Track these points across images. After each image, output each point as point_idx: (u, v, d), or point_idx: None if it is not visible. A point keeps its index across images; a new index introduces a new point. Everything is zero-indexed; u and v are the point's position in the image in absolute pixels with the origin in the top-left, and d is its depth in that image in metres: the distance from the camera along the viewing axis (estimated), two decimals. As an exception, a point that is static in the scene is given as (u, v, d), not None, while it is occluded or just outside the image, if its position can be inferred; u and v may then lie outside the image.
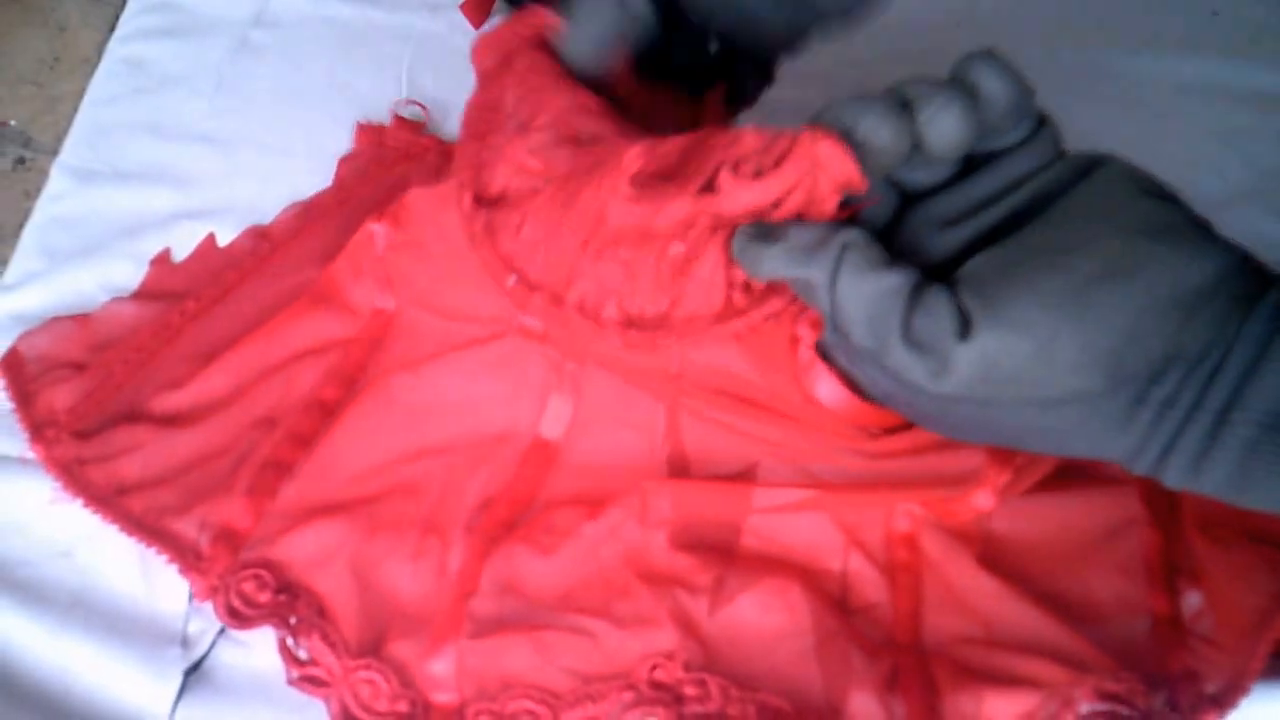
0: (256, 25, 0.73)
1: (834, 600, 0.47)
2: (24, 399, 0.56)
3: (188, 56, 0.72)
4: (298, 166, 0.66)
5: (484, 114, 0.48)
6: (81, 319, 0.60)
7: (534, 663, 0.47)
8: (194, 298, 0.60)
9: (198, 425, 0.55)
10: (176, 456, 0.54)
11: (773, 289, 0.40)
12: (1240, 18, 0.67)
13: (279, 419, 0.55)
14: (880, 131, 0.35)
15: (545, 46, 0.49)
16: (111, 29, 0.75)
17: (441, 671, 0.47)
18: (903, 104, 0.36)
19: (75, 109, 0.71)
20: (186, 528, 0.51)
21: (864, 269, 0.35)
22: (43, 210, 0.66)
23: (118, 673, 0.49)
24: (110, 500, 0.52)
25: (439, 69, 0.71)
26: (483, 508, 0.51)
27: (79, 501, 0.52)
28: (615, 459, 0.52)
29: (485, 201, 0.47)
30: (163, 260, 0.62)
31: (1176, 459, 0.33)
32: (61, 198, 0.66)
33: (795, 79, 0.57)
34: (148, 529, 0.51)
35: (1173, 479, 0.34)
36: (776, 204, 0.37)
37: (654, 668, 0.46)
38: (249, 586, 0.49)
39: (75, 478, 0.53)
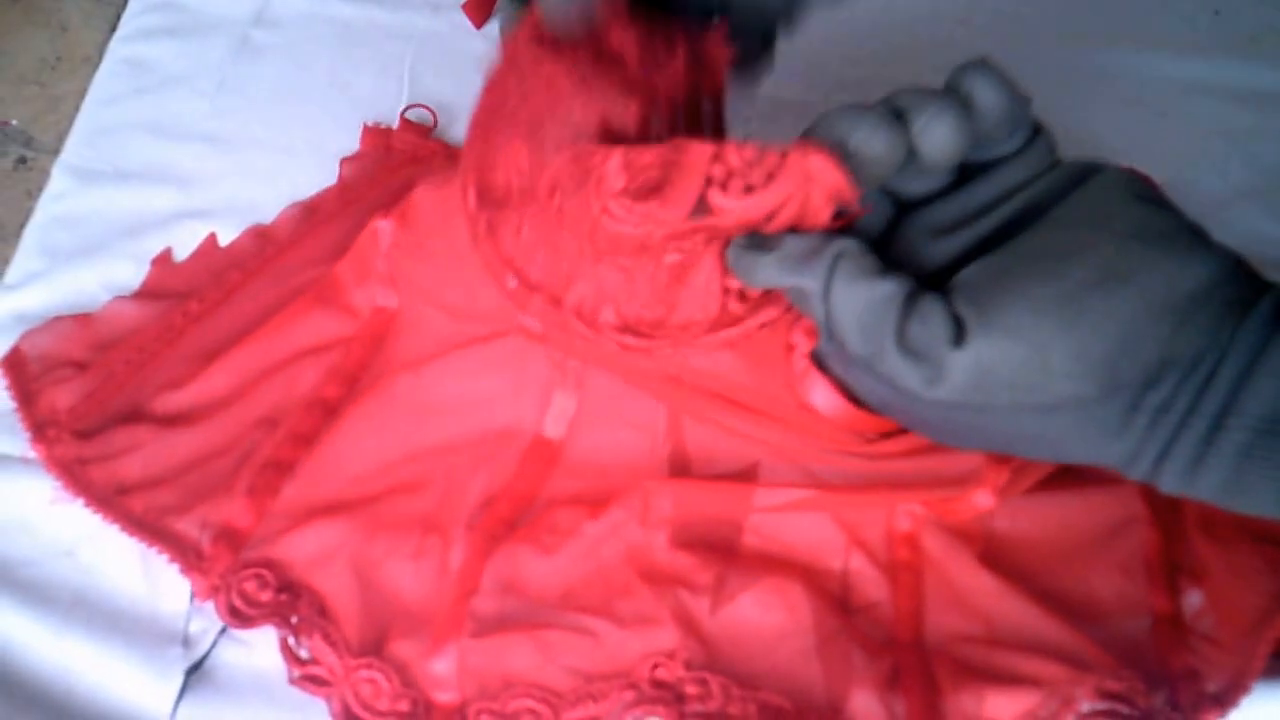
0: (258, 25, 0.73)
1: (835, 599, 0.48)
2: (26, 398, 0.56)
3: (189, 56, 0.72)
4: (299, 166, 0.66)
5: (490, 114, 0.48)
6: (83, 318, 0.60)
7: (535, 662, 0.47)
8: (197, 298, 0.59)
9: (199, 425, 0.55)
10: (177, 456, 0.54)
11: (768, 297, 0.41)
12: (1242, 17, 0.67)
13: (280, 418, 0.55)
14: (873, 142, 0.35)
15: (545, 40, 0.49)
16: (113, 29, 0.75)
17: (443, 670, 0.47)
18: (896, 114, 0.36)
19: (77, 108, 0.71)
20: (187, 527, 0.51)
21: (857, 277, 0.35)
22: (44, 210, 0.66)
23: (119, 672, 0.49)
24: (111, 500, 0.52)
25: (441, 69, 0.71)
26: (484, 506, 0.51)
27: (80, 501, 0.52)
28: (616, 458, 0.52)
29: (489, 201, 0.47)
30: (164, 260, 0.62)
31: (1171, 465, 0.33)
32: (63, 197, 0.66)
33: (799, 77, 0.57)
34: (148, 529, 0.51)
35: (1168, 484, 0.34)
36: (770, 217, 0.37)
37: (655, 667, 0.46)
38: (250, 586, 0.49)
39: (76, 477, 0.53)
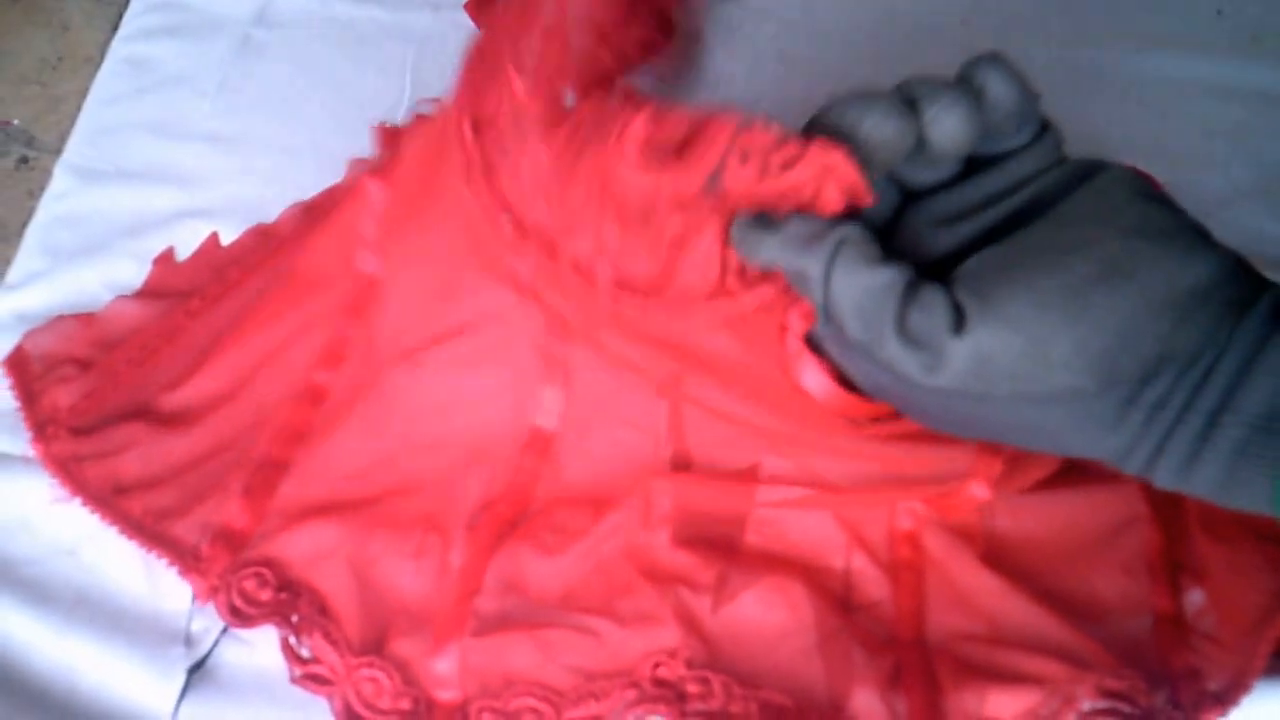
0: (259, 24, 0.73)
1: (837, 598, 0.48)
2: (29, 397, 0.56)
3: (191, 55, 0.72)
4: (301, 165, 0.66)
5: (485, 42, 0.47)
6: (86, 318, 0.60)
7: (537, 660, 0.47)
8: (199, 296, 0.59)
9: (195, 423, 0.55)
10: (174, 455, 0.54)
11: (766, 276, 0.41)
12: (1244, 17, 0.67)
13: (273, 412, 0.55)
14: (884, 129, 0.36)
15: None
16: (114, 28, 0.75)
17: (445, 669, 0.47)
18: (907, 102, 0.36)
19: (78, 108, 0.71)
20: (186, 530, 0.51)
21: (859, 264, 0.36)
22: (46, 209, 0.66)
23: (121, 671, 0.49)
24: (108, 500, 0.52)
25: (444, 68, 0.71)
26: (484, 507, 0.51)
27: (77, 500, 0.53)
28: (617, 458, 0.52)
29: (483, 129, 0.47)
30: (166, 259, 0.62)
31: (1166, 460, 0.34)
32: (64, 197, 0.66)
33: (802, 76, 0.57)
34: (146, 532, 0.51)
35: (1162, 479, 0.34)
36: (779, 199, 0.38)
37: (657, 665, 0.46)
38: (250, 585, 0.49)
39: (72, 475, 0.53)
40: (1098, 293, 0.33)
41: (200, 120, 0.69)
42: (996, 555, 0.47)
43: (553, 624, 0.48)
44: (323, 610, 0.49)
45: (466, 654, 0.47)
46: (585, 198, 0.42)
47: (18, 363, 0.57)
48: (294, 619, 0.49)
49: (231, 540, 0.51)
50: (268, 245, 0.62)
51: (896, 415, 0.43)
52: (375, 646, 0.48)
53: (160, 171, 0.67)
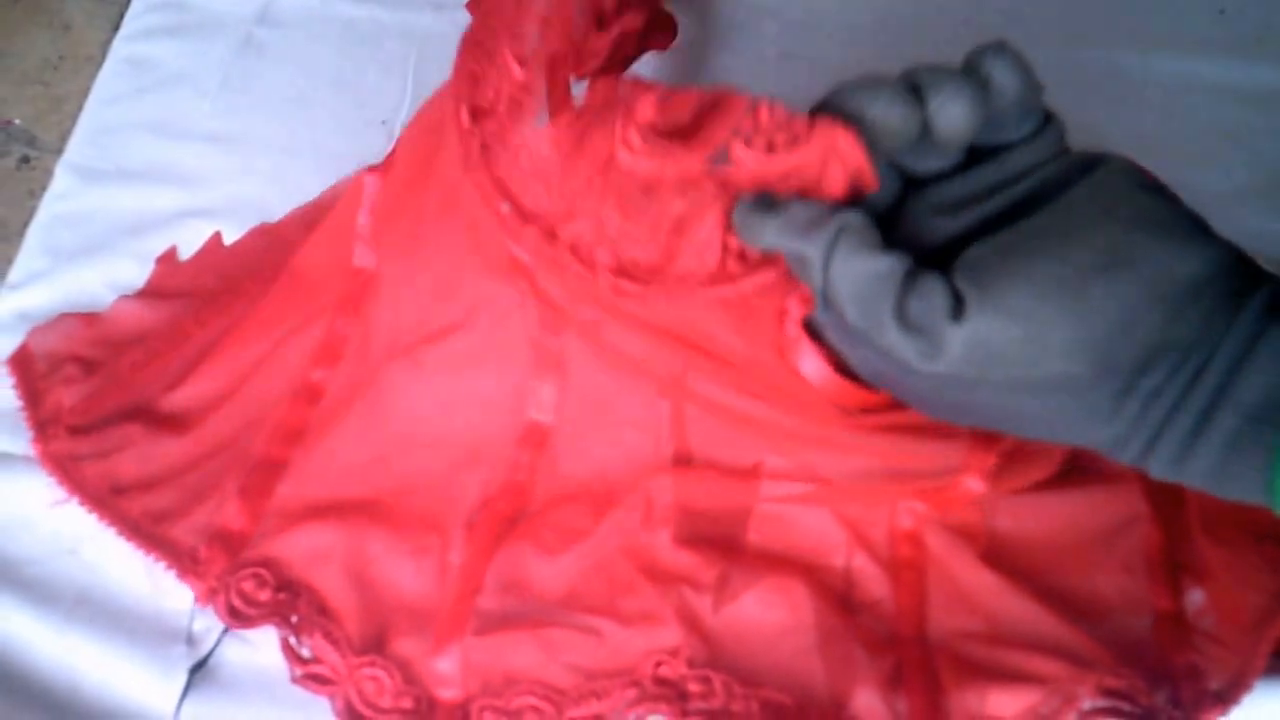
0: (261, 24, 0.73)
1: (838, 597, 0.48)
2: (32, 397, 0.56)
3: (192, 55, 0.72)
4: (302, 165, 0.66)
5: (482, 25, 0.47)
6: (89, 317, 0.60)
7: (539, 659, 0.47)
8: (210, 306, 0.59)
9: (193, 425, 0.55)
10: (172, 456, 0.54)
11: (766, 261, 0.41)
12: (1247, 17, 0.67)
13: (269, 411, 0.55)
14: (889, 115, 0.36)
15: None
16: (116, 28, 0.75)
17: (446, 668, 0.47)
18: (913, 89, 0.36)
19: (80, 108, 0.71)
20: (183, 533, 0.51)
21: (859, 250, 0.36)
22: (47, 209, 0.66)
23: (123, 670, 0.49)
24: (106, 500, 0.52)
25: (446, 68, 0.70)
26: (483, 505, 0.51)
27: (75, 500, 0.53)
28: (618, 457, 0.52)
29: (481, 114, 0.47)
30: (169, 258, 0.63)
31: (1161, 449, 0.34)
32: (66, 196, 0.66)
33: (805, 74, 0.57)
34: (144, 534, 0.52)
35: (1157, 470, 0.34)
36: (783, 179, 0.38)
37: (658, 664, 0.46)
38: (249, 585, 0.49)
39: (70, 475, 0.53)
40: (1096, 282, 0.33)
41: (201, 120, 0.69)
42: (997, 554, 0.47)
43: (554, 623, 0.48)
44: (322, 610, 0.49)
45: (468, 653, 0.47)
46: (587, 181, 0.42)
47: (22, 361, 0.57)
48: (294, 619, 0.49)
49: (229, 542, 0.51)
50: (275, 250, 0.62)
51: (891, 405, 0.43)
52: (376, 646, 0.48)
53: (161, 171, 0.67)
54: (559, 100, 0.44)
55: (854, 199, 0.38)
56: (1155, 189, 0.36)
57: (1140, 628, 0.45)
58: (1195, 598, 0.46)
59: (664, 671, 0.46)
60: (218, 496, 0.52)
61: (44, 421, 0.55)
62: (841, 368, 0.41)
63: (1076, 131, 0.40)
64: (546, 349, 0.51)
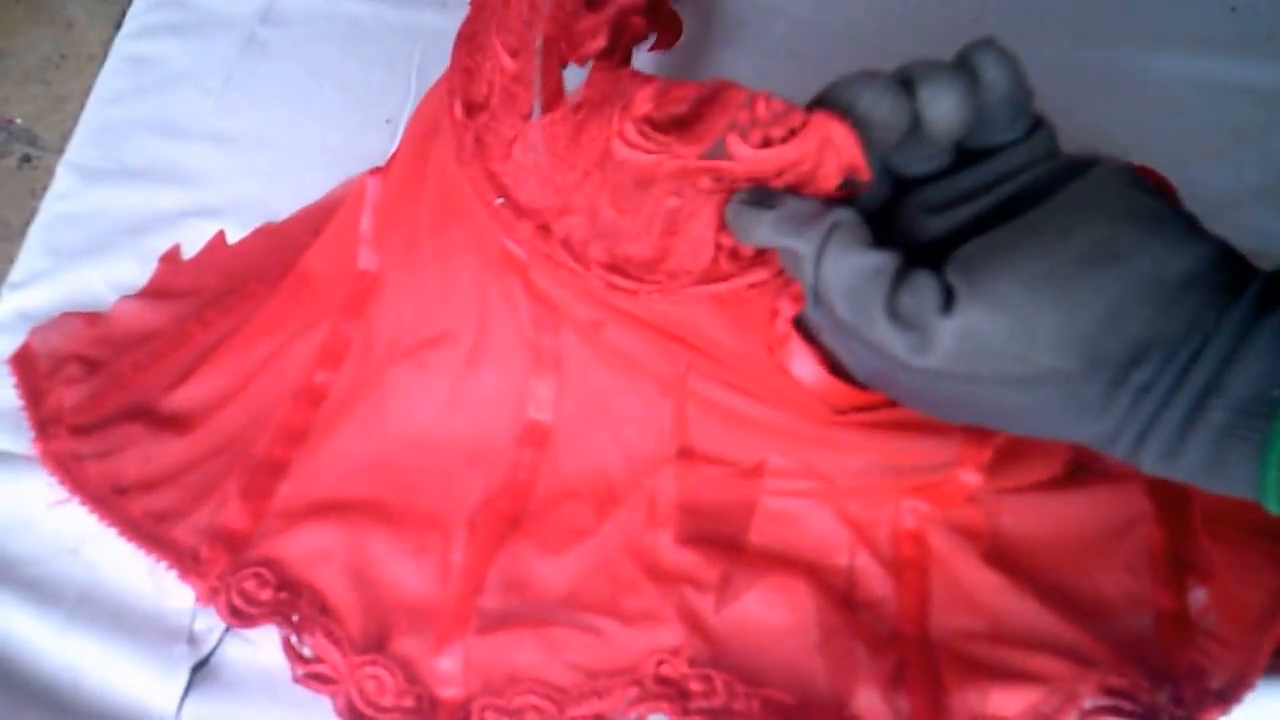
0: (264, 22, 0.73)
1: (840, 596, 0.48)
2: (34, 396, 0.56)
3: (195, 54, 0.72)
4: (306, 164, 0.66)
5: (474, 20, 0.47)
6: (92, 316, 0.60)
7: (540, 658, 0.47)
8: (215, 307, 0.59)
9: (195, 425, 0.55)
10: (174, 457, 0.54)
11: (759, 260, 0.41)
12: (1258, 15, 0.66)
13: (272, 412, 0.55)
14: (880, 107, 0.36)
15: None
16: (118, 26, 0.75)
17: (448, 667, 0.47)
18: (904, 83, 0.37)
19: (82, 107, 0.71)
20: (185, 533, 0.52)
21: (851, 246, 0.36)
22: (49, 208, 0.66)
23: (125, 669, 0.50)
24: (108, 500, 0.53)
25: (448, 66, 0.71)
26: (484, 504, 0.51)
27: (76, 499, 0.53)
28: (620, 456, 0.52)
29: (475, 108, 0.47)
30: (172, 257, 0.63)
31: (1152, 444, 0.34)
32: (67, 196, 0.66)
33: (811, 74, 0.57)
34: (146, 535, 0.52)
35: (1148, 464, 0.35)
36: (779, 173, 0.38)
37: (660, 663, 0.46)
38: (250, 585, 0.49)
39: (72, 474, 0.53)
40: (1086, 275, 0.34)
41: (204, 119, 0.69)
42: (1000, 554, 0.47)
43: (556, 622, 0.48)
44: (324, 609, 0.49)
45: (470, 652, 0.47)
46: (582, 175, 0.42)
47: (24, 360, 0.58)
48: (295, 618, 0.49)
49: (231, 542, 0.51)
50: (279, 251, 0.61)
51: (882, 404, 0.43)
52: (377, 645, 0.48)
53: (163, 170, 0.67)
54: (552, 89, 0.44)
55: (847, 198, 0.38)
56: (1146, 188, 0.36)
57: (1142, 627, 0.45)
58: (1198, 597, 0.46)
59: (665, 670, 0.46)
60: (219, 497, 0.52)
61: (46, 421, 0.55)
62: (833, 367, 0.41)
63: (1083, 129, 0.40)
64: (542, 347, 0.51)
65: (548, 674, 0.47)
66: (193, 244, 0.63)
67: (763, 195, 0.38)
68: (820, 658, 0.45)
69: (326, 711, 0.47)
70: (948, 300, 0.35)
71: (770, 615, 0.47)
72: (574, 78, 0.45)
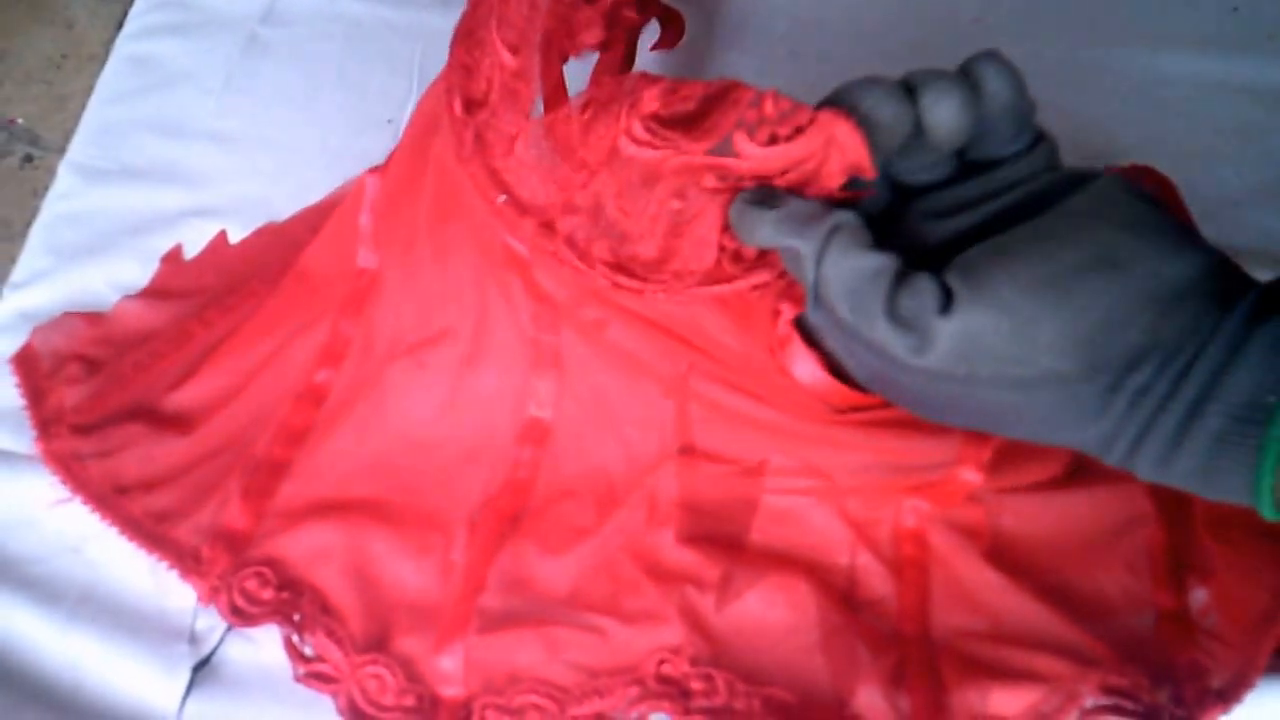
0: (265, 22, 0.73)
1: (841, 595, 0.48)
2: (35, 395, 0.56)
3: (196, 54, 0.72)
4: (307, 164, 0.66)
5: (472, 16, 0.47)
6: (93, 316, 0.60)
7: (541, 658, 0.47)
8: (215, 306, 0.59)
9: (196, 425, 0.55)
10: (175, 457, 0.54)
11: (762, 261, 0.41)
12: (1260, 15, 0.66)
13: (273, 412, 0.55)
14: (882, 109, 0.36)
15: None
16: (119, 26, 0.75)
17: (449, 666, 0.47)
18: (907, 89, 0.37)
19: (83, 106, 0.71)
20: (186, 533, 0.52)
21: (853, 247, 0.36)
22: (50, 208, 0.66)
23: (126, 668, 0.50)
24: (109, 500, 0.53)
25: (450, 66, 0.71)
26: (485, 503, 0.51)
27: (78, 498, 0.53)
28: (621, 456, 0.52)
29: (475, 105, 0.47)
30: (174, 257, 0.63)
31: (1147, 448, 0.34)
32: (69, 196, 0.66)
33: (814, 73, 0.57)
34: (147, 534, 0.52)
35: (1143, 470, 0.35)
36: (784, 172, 0.38)
37: (661, 663, 0.46)
38: (251, 584, 0.49)
39: (73, 473, 0.53)
40: (1085, 280, 0.34)
41: (205, 119, 0.69)
42: (1001, 553, 0.48)
43: (557, 621, 0.48)
44: (325, 608, 0.49)
45: (471, 651, 0.47)
46: (588, 174, 0.42)
47: (25, 359, 0.58)
48: (296, 617, 0.49)
49: (232, 541, 0.51)
50: (281, 250, 0.61)
51: (881, 404, 0.44)
52: (379, 644, 0.48)
53: (165, 170, 0.67)
54: (552, 84, 0.44)
55: (849, 201, 0.38)
56: (1146, 199, 0.37)
57: (1143, 626, 0.45)
58: (1199, 596, 0.46)
59: (666, 670, 0.46)
60: (220, 496, 0.52)
61: (47, 420, 0.55)
62: (833, 369, 0.42)
63: (1085, 128, 0.40)
64: (542, 345, 0.51)
65: (549, 673, 0.47)
66: (194, 244, 0.63)
67: (766, 195, 0.39)
68: (821, 656, 0.46)
69: (328, 711, 0.47)
70: (947, 301, 0.35)
71: (771, 614, 0.47)
72: (577, 82, 0.46)
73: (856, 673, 0.45)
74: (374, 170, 0.56)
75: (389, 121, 0.68)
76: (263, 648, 0.50)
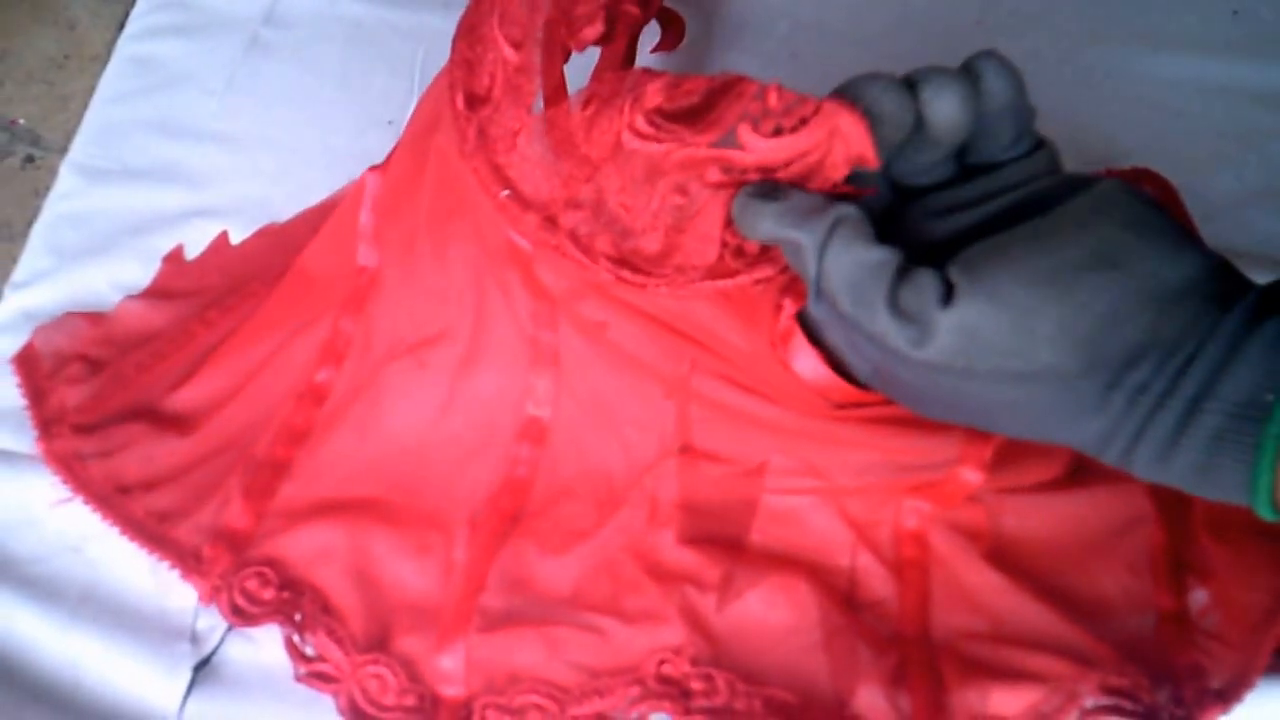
0: (267, 23, 0.73)
1: (841, 595, 0.48)
2: (37, 395, 0.56)
3: (198, 54, 0.72)
4: (308, 165, 0.66)
5: (475, 4, 0.47)
6: (95, 316, 0.60)
7: (542, 657, 0.47)
8: (217, 307, 0.59)
9: (198, 425, 0.55)
10: (176, 456, 0.54)
11: (764, 257, 0.41)
12: (1261, 18, 0.67)
13: (274, 412, 0.55)
14: (883, 102, 0.37)
15: None
16: (121, 27, 0.75)
17: (450, 666, 0.47)
18: (907, 84, 0.37)
19: (85, 107, 0.71)
20: (187, 533, 0.52)
21: (855, 241, 0.37)
22: (52, 208, 0.66)
23: (127, 668, 0.50)
24: (111, 499, 0.53)
25: (451, 67, 0.71)
26: (485, 503, 0.51)
27: (79, 498, 0.53)
28: (621, 457, 0.52)
29: (477, 100, 0.47)
30: (175, 258, 0.63)
31: (1145, 446, 0.34)
32: (70, 196, 0.66)
33: (815, 75, 0.57)
34: (148, 534, 0.52)
35: (1140, 468, 0.35)
36: (787, 163, 0.38)
37: (661, 663, 0.46)
38: (252, 584, 0.49)
39: (75, 473, 0.53)
40: (1086, 276, 0.34)
41: (207, 120, 0.69)
42: (1002, 554, 0.48)
43: (558, 621, 0.48)
44: (325, 608, 0.49)
45: (472, 650, 0.47)
46: (591, 170, 0.43)
47: (27, 359, 0.58)
48: (297, 617, 0.49)
49: (233, 541, 0.51)
50: (282, 251, 0.61)
51: (881, 401, 0.44)
52: (379, 644, 0.48)
53: (166, 171, 0.67)
54: (554, 79, 0.44)
55: (851, 197, 0.38)
56: (1147, 202, 0.37)
57: (1143, 627, 0.45)
58: (1199, 597, 0.46)
59: (667, 670, 0.46)
60: (221, 496, 0.52)
61: (49, 420, 0.55)
62: (834, 364, 0.42)
63: (1086, 131, 0.40)
64: (540, 343, 0.51)
65: (549, 673, 0.47)
66: (195, 244, 0.63)
67: (768, 189, 0.39)
68: (822, 657, 0.46)
69: (329, 710, 0.47)
70: (948, 294, 0.35)
71: (772, 615, 0.47)
72: (578, 79, 0.46)
73: (857, 673, 0.45)
74: (375, 168, 0.56)
75: (390, 122, 0.68)
76: (263, 648, 0.50)
